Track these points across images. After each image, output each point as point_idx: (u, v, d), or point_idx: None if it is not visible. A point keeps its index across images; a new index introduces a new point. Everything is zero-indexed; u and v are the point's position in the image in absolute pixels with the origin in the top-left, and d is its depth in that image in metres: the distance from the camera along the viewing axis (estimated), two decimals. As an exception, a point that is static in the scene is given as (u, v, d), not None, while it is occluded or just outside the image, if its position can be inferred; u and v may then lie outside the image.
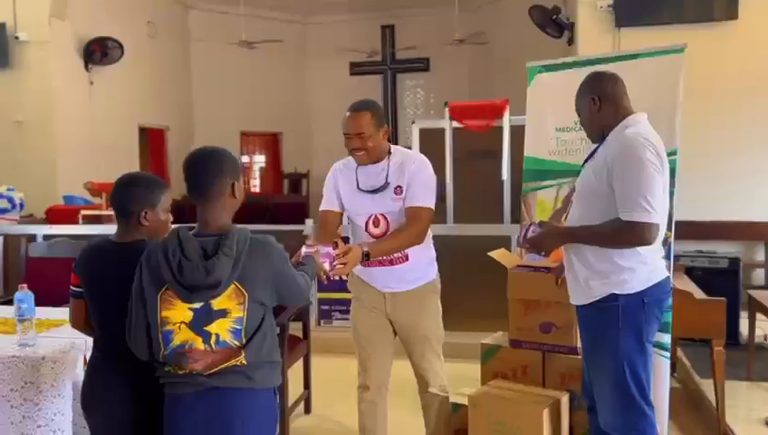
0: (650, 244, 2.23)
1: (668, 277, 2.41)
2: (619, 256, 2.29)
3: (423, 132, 6.10)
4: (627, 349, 2.30)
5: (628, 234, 2.21)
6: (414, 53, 11.86)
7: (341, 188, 2.80)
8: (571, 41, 7.05)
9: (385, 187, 2.69)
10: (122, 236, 2.09)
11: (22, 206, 6.56)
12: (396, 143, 3.03)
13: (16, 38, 7.60)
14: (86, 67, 8.50)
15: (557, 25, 7.11)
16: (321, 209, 2.85)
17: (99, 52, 8.42)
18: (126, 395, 2.00)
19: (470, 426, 2.81)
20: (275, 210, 9.76)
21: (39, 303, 2.63)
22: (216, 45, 11.23)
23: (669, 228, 3.04)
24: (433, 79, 12.38)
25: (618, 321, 2.30)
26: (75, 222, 6.45)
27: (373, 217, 2.71)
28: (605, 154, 2.34)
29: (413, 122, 6.21)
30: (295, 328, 3.91)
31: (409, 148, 4.30)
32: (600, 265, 2.32)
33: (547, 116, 3.48)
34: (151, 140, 10.52)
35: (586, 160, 2.48)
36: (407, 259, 2.73)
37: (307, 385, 3.94)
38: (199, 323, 1.77)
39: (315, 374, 4.00)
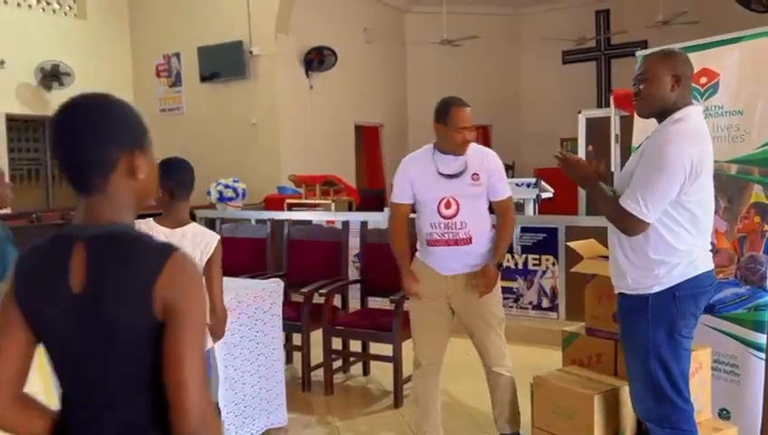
0: (629, 235, 2.28)
1: (709, 272, 2.33)
2: (653, 250, 2.29)
3: (589, 121, 6.00)
4: (657, 341, 2.29)
5: (616, 215, 2.29)
6: (625, 38, 11.28)
7: (417, 176, 3.04)
8: (778, 14, 6.34)
9: (463, 172, 2.98)
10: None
11: (244, 195, 7.80)
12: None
13: (250, 53, 8.98)
14: (306, 74, 9.68)
15: (763, -2, 6.44)
16: (394, 202, 3.11)
17: (316, 60, 9.54)
18: None
19: (534, 405, 2.95)
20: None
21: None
22: (429, 45, 11.82)
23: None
24: (651, 63, 11.65)
25: (647, 313, 2.31)
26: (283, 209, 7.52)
27: (446, 200, 2.97)
28: (648, 142, 2.35)
29: (579, 112, 6.12)
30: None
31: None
32: (635, 257, 2.33)
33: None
34: (366, 137, 11.52)
35: (639, 146, 2.49)
36: (470, 241, 2.95)
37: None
38: None
39: (457, 354, 4.20)
